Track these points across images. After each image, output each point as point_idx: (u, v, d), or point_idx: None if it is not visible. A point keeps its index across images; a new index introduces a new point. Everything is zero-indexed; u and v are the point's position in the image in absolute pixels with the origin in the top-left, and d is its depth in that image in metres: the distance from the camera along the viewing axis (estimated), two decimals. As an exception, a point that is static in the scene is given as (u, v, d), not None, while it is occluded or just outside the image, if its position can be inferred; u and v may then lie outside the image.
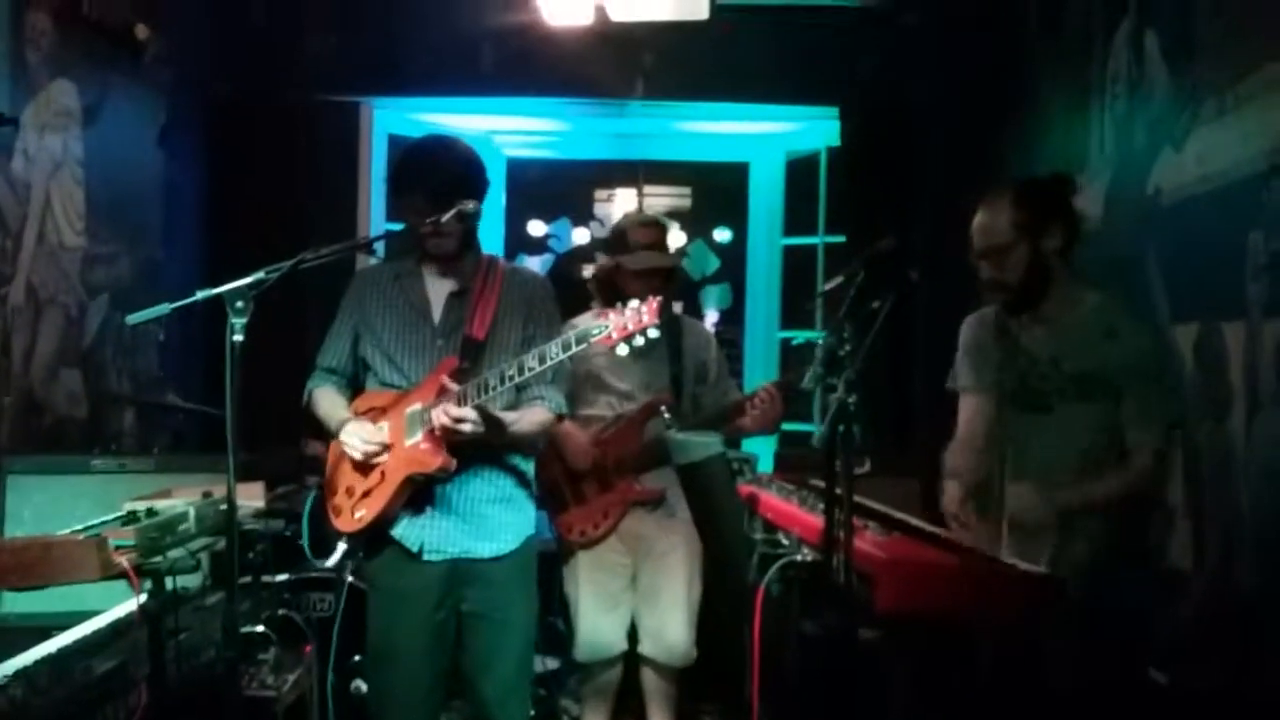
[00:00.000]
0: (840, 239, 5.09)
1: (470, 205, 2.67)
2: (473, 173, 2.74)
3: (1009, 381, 2.67)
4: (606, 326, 2.42)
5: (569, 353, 2.47)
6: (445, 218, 2.62)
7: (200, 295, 2.22)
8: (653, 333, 2.41)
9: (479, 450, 2.70)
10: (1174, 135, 3.09)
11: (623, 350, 2.45)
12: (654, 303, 2.41)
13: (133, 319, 2.29)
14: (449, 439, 2.57)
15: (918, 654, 2.50)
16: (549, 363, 2.49)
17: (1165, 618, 2.88)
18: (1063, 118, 3.93)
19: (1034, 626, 2.17)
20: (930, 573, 2.13)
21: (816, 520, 2.20)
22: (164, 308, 2.23)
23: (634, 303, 2.42)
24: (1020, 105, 4.31)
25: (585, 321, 3.20)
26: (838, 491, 2.09)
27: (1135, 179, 3.32)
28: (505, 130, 5.34)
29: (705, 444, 2.63)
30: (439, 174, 2.68)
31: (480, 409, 2.56)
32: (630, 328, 2.40)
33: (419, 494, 2.70)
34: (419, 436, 2.62)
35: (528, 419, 2.76)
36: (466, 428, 2.54)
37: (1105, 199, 3.58)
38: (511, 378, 2.53)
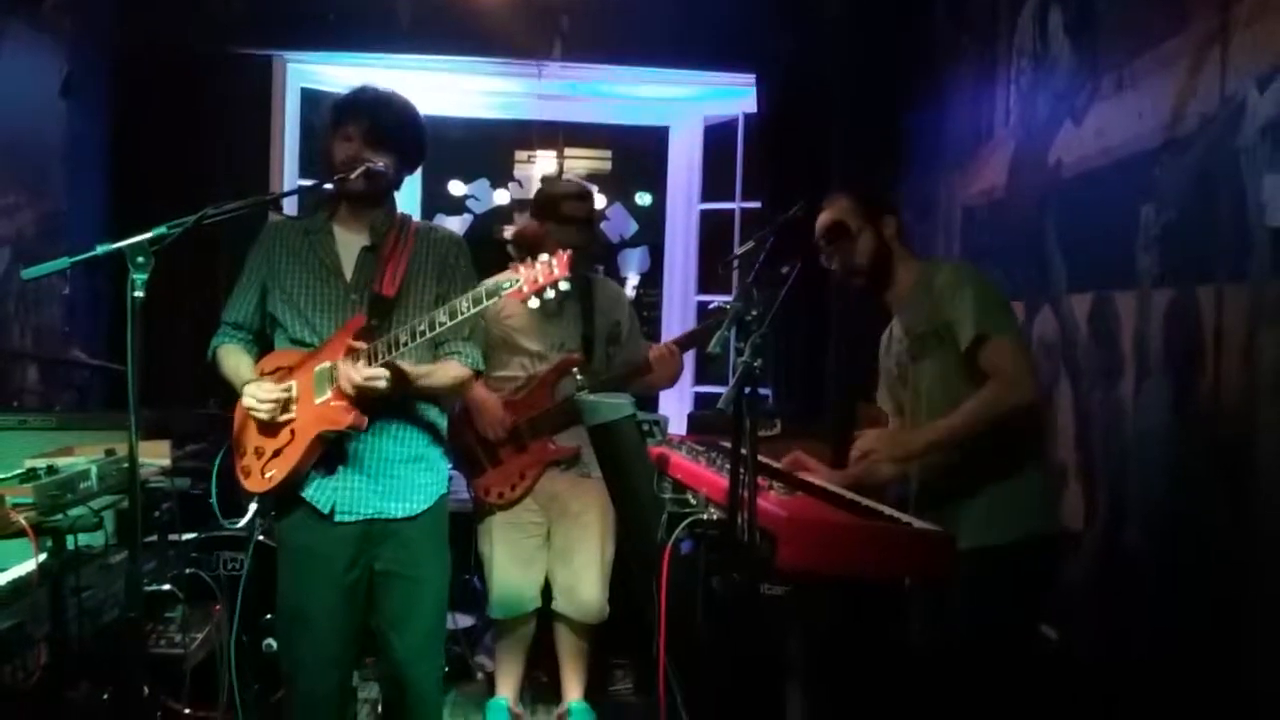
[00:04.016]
0: (757, 205, 5.14)
1: (383, 164, 2.65)
2: (420, 135, 2.76)
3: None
4: (518, 280, 2.41)
5: (480, 307, 2.45)
6: (374, 162, 2.62)
7: (100, 250, 2.16)
8: (564, 285, 2.40)
9: (391, 404, 2.68)
10: (1075, 109, 3.18)
11: (534, 303, 2.44)
12: (564, 256, 2.40)
13: (29, 273, 2.23)
14: (362, 395, 2.54)
15: (818, 609, 2.58)
16: (460, 317, 2.47)
17: (1057, 576, 3.00)
18: (970, 89, 4.02)
19: (927, 582, 2.24)
20: (829, 531, 2.19)
21: (723, 480, 2.24)
22: (62, 262, 2.18)
23: (544, 256, 2.41)
24: (930, 76, 4.40)
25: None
26: (743, 452, 2.13)
27: (1038, 150, 3.42)
28: (422, 88, 5.26)
29: (616, 405, 2.64)
30: (391, 113, 2.69)
31: (390, 365, 2.53)
32: (541, 280, 2.39)
33: (330, 454, 2.67)
34: (328, 394, 2.59)
35: (442, 372, 2.74)
36: (380, 384, 2.52)
37: (1009, 169, 3.68)
38: (423, 333, 2.50)
